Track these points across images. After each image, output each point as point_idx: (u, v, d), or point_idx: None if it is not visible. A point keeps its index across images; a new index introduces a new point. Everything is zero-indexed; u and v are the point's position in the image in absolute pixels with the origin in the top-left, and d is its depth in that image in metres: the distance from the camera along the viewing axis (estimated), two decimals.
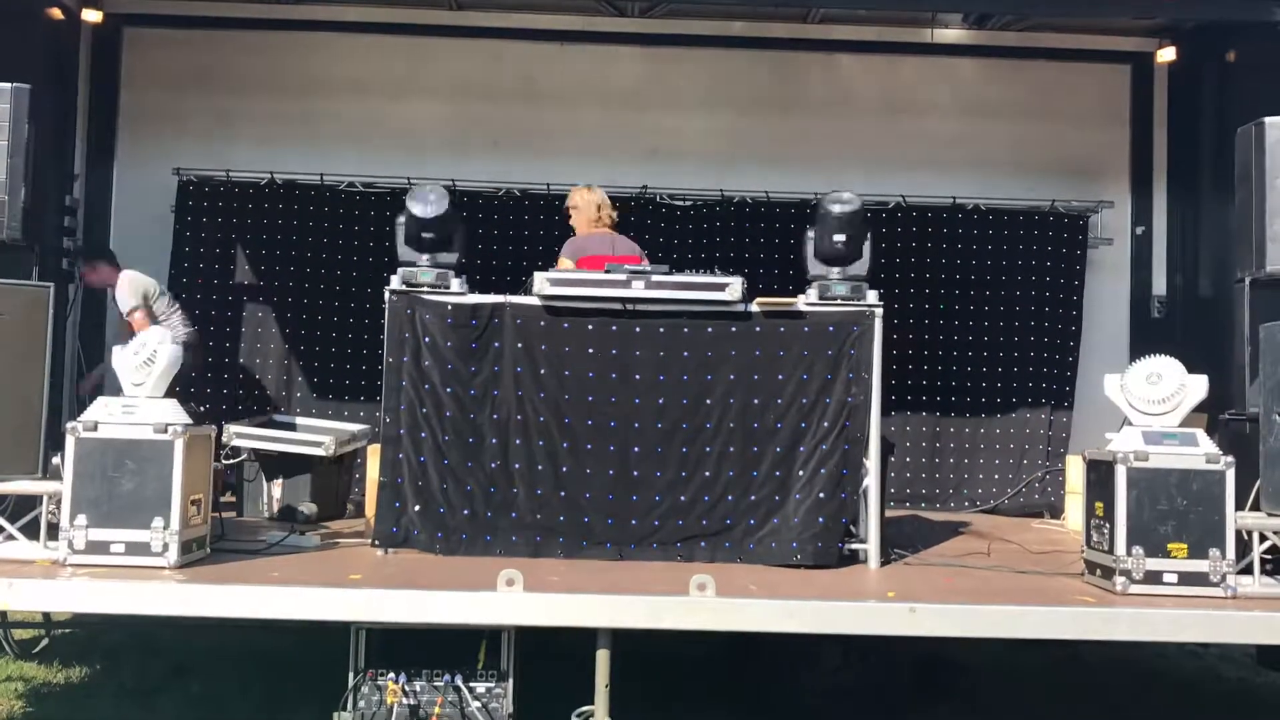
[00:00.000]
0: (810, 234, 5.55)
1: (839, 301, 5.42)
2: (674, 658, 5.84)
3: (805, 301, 5.47)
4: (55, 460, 4.94)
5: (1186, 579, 4.63)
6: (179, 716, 5.38)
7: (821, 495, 5.29)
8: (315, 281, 8.30)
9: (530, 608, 4.31)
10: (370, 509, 5.66)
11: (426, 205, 5.40)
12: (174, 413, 4.80)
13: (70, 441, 4.65)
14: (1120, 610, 4.46)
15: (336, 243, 8.36)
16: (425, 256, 5.46)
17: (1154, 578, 4.62)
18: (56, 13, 7.75)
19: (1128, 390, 4.91)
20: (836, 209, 5.44)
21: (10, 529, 4.89)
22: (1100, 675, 6.39)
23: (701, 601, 4.29)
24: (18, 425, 5.01)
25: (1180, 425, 4.87)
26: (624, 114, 8.76)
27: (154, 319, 7.12)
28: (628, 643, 4.33)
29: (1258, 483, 4.96)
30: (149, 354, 4.88)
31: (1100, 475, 4.87)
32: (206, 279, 8.23)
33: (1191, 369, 4.97)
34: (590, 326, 5.40)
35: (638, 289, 5.38)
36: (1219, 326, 7.14)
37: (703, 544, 5.30)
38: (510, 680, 4.40)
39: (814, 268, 5.53)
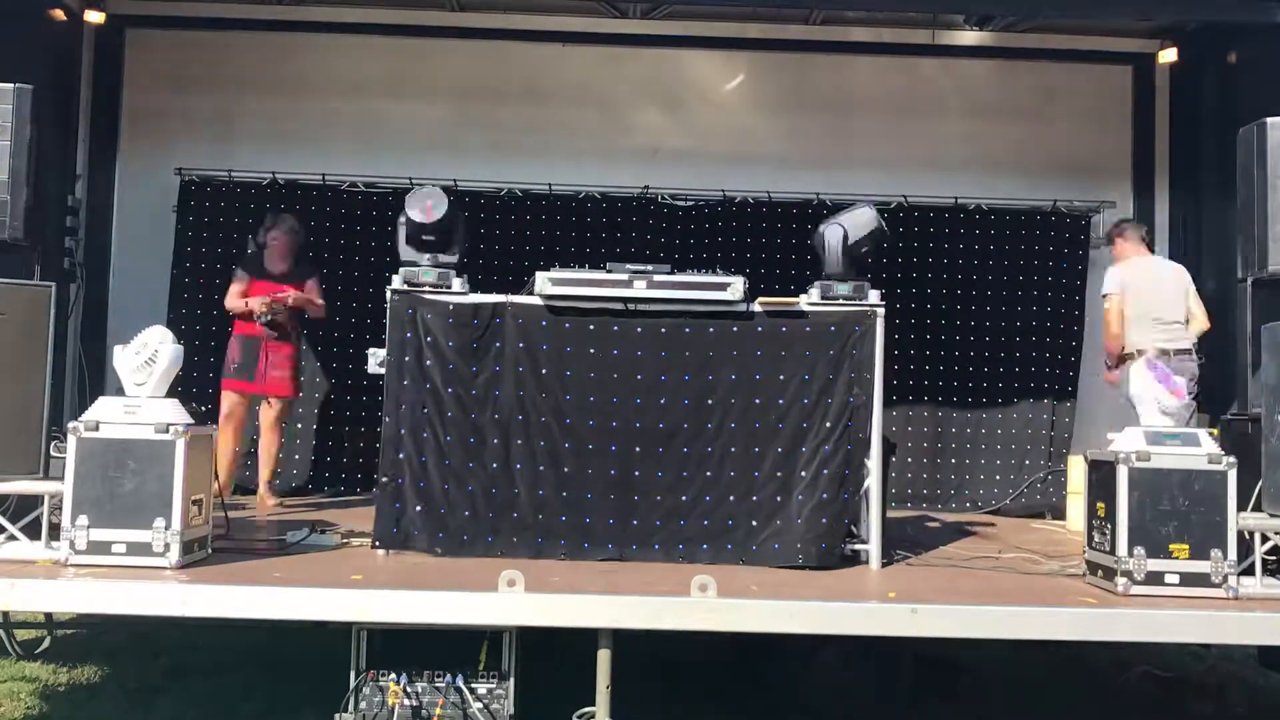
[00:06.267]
0: (828, 231, 5.54)
1: (841, 301, 5.42)
2: (675, 659, 5.83)
3: (807, 301, 5.47)
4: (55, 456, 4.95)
5: (1188, 580, 4.62)
6: (180, 717, 5.38)
7: (824, 496, 5.28)
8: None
9: (531, 608, 4.30)
10: None
11: (424, 212, 5.40)
12: (175, 413, 4.79)
13: (72, 441, 4.64)
14: (1122, 611, 4.45)
15: (338, 243, 8.38)
16: (426, 256, 5.46)
17: (1155, 578, 4.61)
18: (59, 14, 7.77)
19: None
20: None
21: (12, 529, 4.90)
22: (1101, 675, 6.37)
23: (703, 602, 4.28)
24: (19, 425, 5.01)
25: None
26: (625, 114, 8.77)
27: None
28: (629, 643, 4.33)
29: (1260, 483, 4.95)
30: (150, 354, 4.87)
31: (1102, 476, 4.86)
32: (208, 279, 8.20)
33: None
34: (592, 326, 5.40)
35: (639, 289, 5.38)
36: (1221, 326, 7.16)
37: (704, 545, 5.28)
38: (512, 681, 4.40)
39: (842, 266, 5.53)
